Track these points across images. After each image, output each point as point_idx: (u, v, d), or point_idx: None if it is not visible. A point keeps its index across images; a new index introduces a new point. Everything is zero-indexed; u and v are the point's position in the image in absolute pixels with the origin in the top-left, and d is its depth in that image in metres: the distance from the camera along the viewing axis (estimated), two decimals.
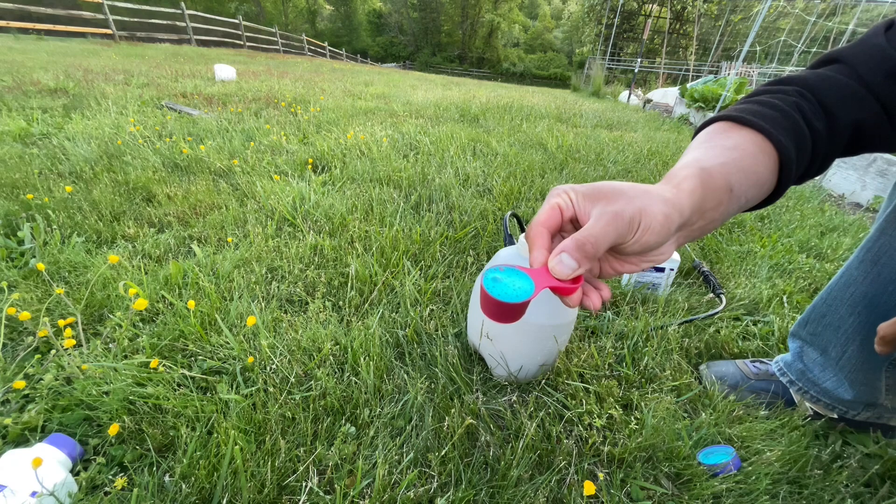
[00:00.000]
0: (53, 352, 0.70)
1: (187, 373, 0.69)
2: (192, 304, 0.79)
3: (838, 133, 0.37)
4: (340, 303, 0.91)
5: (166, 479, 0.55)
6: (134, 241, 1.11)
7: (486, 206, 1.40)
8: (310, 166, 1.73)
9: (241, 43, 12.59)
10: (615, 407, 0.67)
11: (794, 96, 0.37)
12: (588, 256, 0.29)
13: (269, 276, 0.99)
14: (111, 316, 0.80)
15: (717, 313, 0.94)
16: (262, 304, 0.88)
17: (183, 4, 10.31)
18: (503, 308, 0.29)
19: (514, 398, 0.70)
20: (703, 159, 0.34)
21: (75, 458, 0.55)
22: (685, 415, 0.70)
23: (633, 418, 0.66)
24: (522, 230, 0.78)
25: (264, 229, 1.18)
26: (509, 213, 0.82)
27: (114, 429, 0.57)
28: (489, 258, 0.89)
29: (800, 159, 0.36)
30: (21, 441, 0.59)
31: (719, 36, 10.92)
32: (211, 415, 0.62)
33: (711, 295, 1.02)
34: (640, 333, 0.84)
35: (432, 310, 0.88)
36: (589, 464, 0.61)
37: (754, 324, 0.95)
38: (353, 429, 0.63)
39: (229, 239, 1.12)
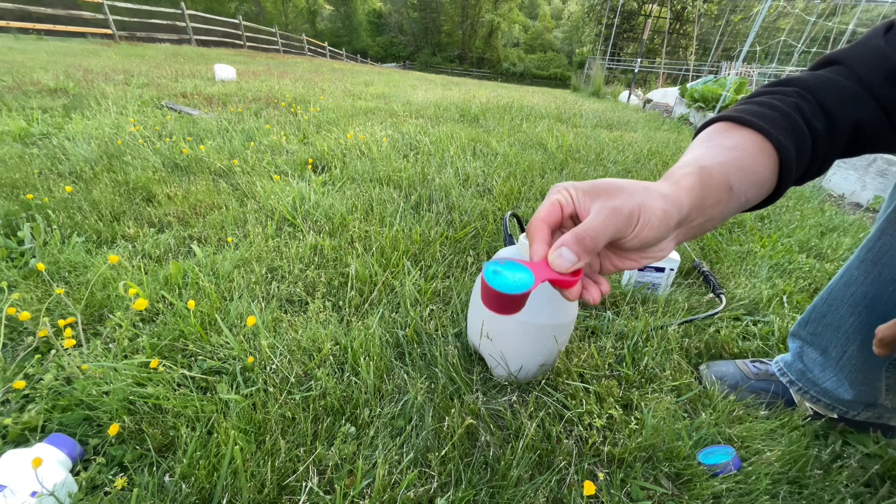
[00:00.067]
0: (53, 352, 0.70)
1: (187, 373, 0.69)
2: (192, 304, 0.79)
3: (838, 133, 0.37)
4: (340, 303, 0.91)
5: (166, 479, 0.55)
6: (134, 241, 1.11)
7: (486, 206, 1.40)
8: (310, 166, 1.73)
9: (241, 43, 12.59)
10: (615, 407, 0.67)
11: (794, 97, 0.37)
12: (587, 250, 0.30)
13: (269, 276, 0.99)
14: (111, 316, 0.80)
15: (717, 313, 0.94)
16: (262, 304, 0.88)
17: (183, 4, 10.31)
18: (503, 299, 0.30)
19: (514, 398, 0.70)
20: (703, 158, 0.35)
21: (75, 458, 0.55)
22: (685, 415, 0.70)
23: (633, 418, 0.66)
24: (522, 230, 0.78)
25: (264, 229, 1.18)
26: (509, 213, 0.82)
27: (114, 429, 0.57)
28: (489, 258, 0.90)
29: (800, 159, 0.36)
30: (21, 441, 0.59)
31: (719, 36, 10.92)
32: (211, 415, 0.62)
33: (711, 295, 1.02)
34: (640, 333, 0.84)
35: (432, 310, 0.88)
36: (589, 464, 0.61)
37: (754, 324, 0.95)
38: (353, 429, 0.63)
39: (229, 239, 1.12)
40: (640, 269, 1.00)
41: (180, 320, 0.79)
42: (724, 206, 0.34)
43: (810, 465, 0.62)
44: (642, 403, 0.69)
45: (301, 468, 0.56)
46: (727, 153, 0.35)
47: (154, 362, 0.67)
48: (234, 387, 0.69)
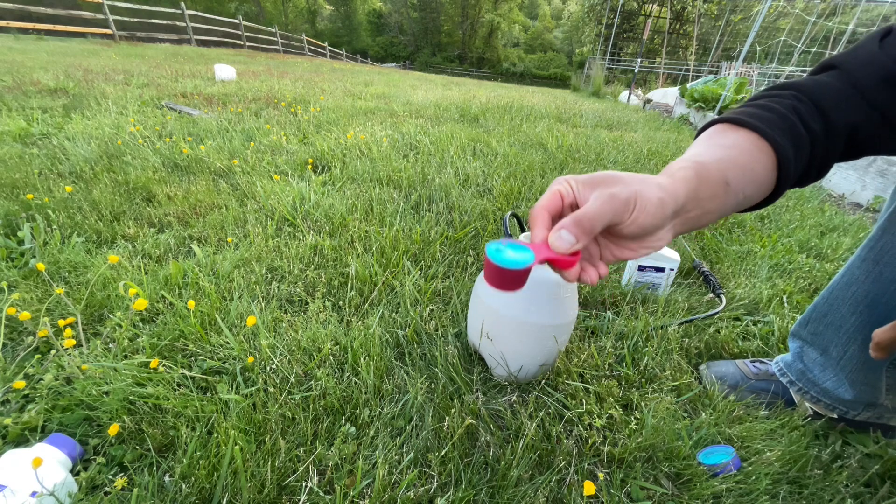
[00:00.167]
0: (53, 352, 0.70)
1: (187, 373, 0.69)
2: (192, 304, 0.79)
3: (835, 135, 0.38)
4: (340, 303, 0.91)
5: (166, 479, 0.55)
6: (134, 241, 1.11)
7: (486, 206, 1.40)
8: (310, 166, 1.73)
9: (241, 43, 12.59)
10: (615, 407, 0.67)
11: (791, 99, 0.38)
12: (585, 232, 0.31)
13: (269, 276, 0.99)
14: (111, 316, 0.80)
15: (717, 313, 0.94)
16: (262, 304, 0.88)
17: (183, 4, 10.31)
18: (505, 274, 0.31)
19: (514, 398, 0.70)
20: (700, 155, 0.36)
21: (75, 458, 0.55)
22: (685, 415, 0.70)
23: (633, 418, 0.66)
24: (523, 230, 0.78)
25: (264, 229, 1.18)
26: (509, 213, 0.82)
27: (114, 429, 0.57)
28: None
29: (798, 158, 0.37)
30: (21, 441, 0.59)
31: (719, 36, 10.92)
32: (211, 415, 0.62)
33: (711, 295, 1.02)
34: (640, 333, 0.84)
35: (432, 310, 0.88)
36: (589, 464, 0.61)
37: (754, 324, 0.95)
38: (353, 429, 0.63)
39: (229, 239, 1.12)
40: (640, 269, 1.00)
41: (180, 320, 0.79)
42: (721, 201, 0.35)
43: (810, 465, 0.62)
44: (642, 403, 0.69)
45: (301, 468, 0.56)
46: (724, 151, 0.36)
47: (154, 362, 0.67)
48: (234, 387, 0.69)
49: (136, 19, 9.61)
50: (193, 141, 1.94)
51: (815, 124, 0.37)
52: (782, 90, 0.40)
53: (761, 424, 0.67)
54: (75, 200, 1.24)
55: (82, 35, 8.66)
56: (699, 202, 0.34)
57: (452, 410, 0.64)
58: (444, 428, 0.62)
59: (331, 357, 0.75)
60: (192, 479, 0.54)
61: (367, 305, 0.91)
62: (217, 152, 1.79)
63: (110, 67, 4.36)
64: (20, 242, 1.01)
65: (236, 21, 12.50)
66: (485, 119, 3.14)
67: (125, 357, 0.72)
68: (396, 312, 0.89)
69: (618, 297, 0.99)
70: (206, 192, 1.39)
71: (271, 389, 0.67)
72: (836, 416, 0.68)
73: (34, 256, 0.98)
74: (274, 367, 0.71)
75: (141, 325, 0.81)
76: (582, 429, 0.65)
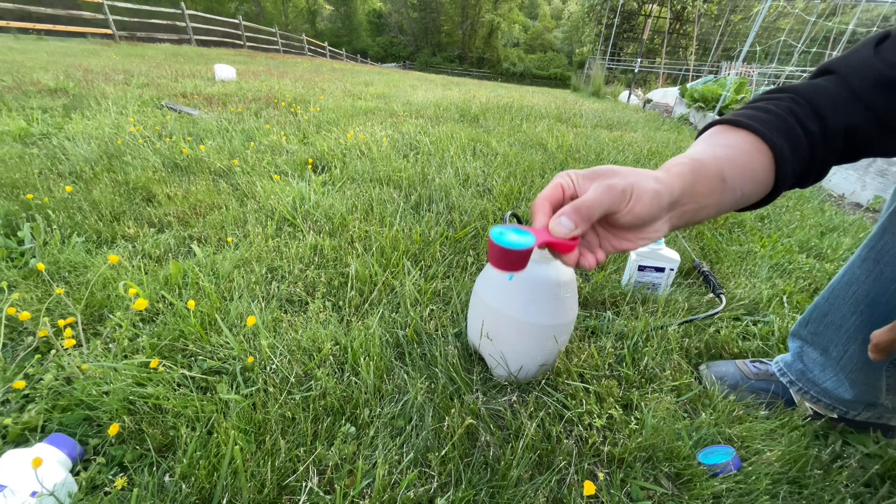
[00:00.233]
0: (53, 352, 0.70)
1: (187, 373, 0.69)
2: (192, 304, 0.79)
3: (832, 136, 0.39)
4: (340, 303, 0.91)
5: (166, 479, 0.55)
6: (134, 241, 1.11)
7: (486, 206, 1.40)
8: (310, 166, 1.73)
9: (241, 43, 12.59)
10: (615, 407, 0.67)
11: (788, 102, 0.40)
12: (583, 218, 0.34)
13: (269, 276, 0.99)
14: (111, 316, 0.80)
15: (717, 313, 0.94)
16: (262, 304, 0.88)
17: (183, 4, 10.31)
18: (508, 255, 0.33)
19: (514, 398, 0.70)
20: (698, 153, 0.39)
21: (75, 458, 0.55)
22: (685, 415, 0.70)
23: (633, 418, 0.66)
24: None
25: (264, 229, 1.18)
26: (509, 213, 0.82)
27: (114, 429, 0.57)
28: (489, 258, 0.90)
29: (795, 158, 0.38)
30: (21, 441, 0.59)
31: (719, 36, 10.92)
32: (211, 415, 0.62)
33: (711, 295, 1.02)
34: (640, 333, 0.84)
35: (432, 310, 0.88)
36: (589, 464, 0.61)
37: (754, 324, 0.95)
38: (353, 429, 0.63)
39: (229, 239, 1.12)
40: (639, 269, 1.00)
41: (180, 320, 0.79)
42: (717, 196, 0.37)
43: (810, 465, 0.62)
44: (642, 403, 0.69)
45: (301, 468, 0.56)
46: (721, 150, 0.38)
47: (154, 362, 0.67)
48: (234, 387, 0.69)
49: (136, 19, 9.61)
50: (193, 141, 1.94)
51: (813, 126, 0.39)
52: (781, 93, 0.41)
53: (761, 424, 0.67)
54: (75, 200, 1.24)
55: (82, 35, 8.66)
56: (695, 196, 0.36)
57: (452, 410, 0.64)
58: (444, 428, 0.62)
59: (331, 357, 0.75)
60: (192, 479, 0.54)
61: (367, 305, 0.91)
62: (217, 152, 1.79)
63: (110, 67, 4.36)
64: (20, 242, 1.01)
65: (236, 21, 12.50)
66: (485, 119, 3.14)
67: (125, 357, 0.72)
68: (396, 312, 0.89)
69: (618, 297, 0.99)
70: (206, 192, 1.39)
71: (271, 389, 0.67)
72: (836, 416, 0.68)
73: (34, 256, 0.98)
74: (274, 367, 0.71)
75: (141, 325, 0.81)
76: (582, 429, 0.65)
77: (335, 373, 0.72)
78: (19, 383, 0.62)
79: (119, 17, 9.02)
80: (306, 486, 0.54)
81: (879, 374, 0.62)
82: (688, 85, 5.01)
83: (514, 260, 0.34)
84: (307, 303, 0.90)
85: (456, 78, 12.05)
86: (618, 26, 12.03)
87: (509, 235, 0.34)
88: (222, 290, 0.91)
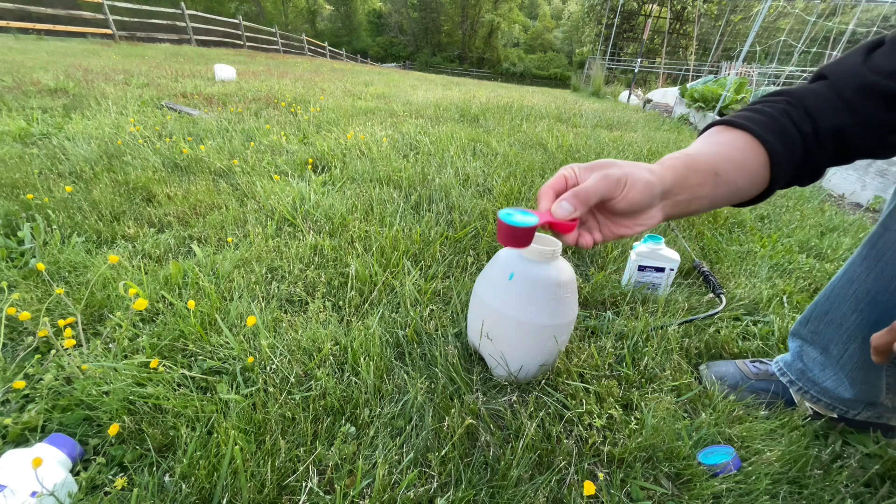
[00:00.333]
0: (53, 352, 0.70)
1: (187, 373, 0.69)
2: (192, 304, 0.79)
3: (823, 136, 0.42)
4: (340, 303, 0.91)
5: (166, 479, 0.55)
6: (134, 241, 1.11)
7: (486, 206, 1.40)
8: (310, 166, 1.73)
9: (241, 43, 12.59)
10: (615, 407, 0.67)
11: (783, 104, 0.43)
12: (581, 202, 0.38)
13: (269, 276, 0.99)
14: (111, 316, 0.80)
15: (717, 313, 0.94)
16: (262, 304, 0.88)
17: (183, 4, 10.31)
18: (514, 231, 0.38)
19: (514, 398, 0.70)
20: (692, 149, 0.42)
21: (75, 458, 0.55)
22: (685, 415, 0.70)
23: (633, 418, 0.66)
24: None
25: (264, 229, 1.18)
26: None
27: (114, 429, 0.57)
28: (489, 258, 0.90)
29: (790, 156, 0.41)
30: (21, 441, 0.59)
31: (719, 36, 10.92)
32: (211, 415, 0.62)
33: (711, 295, 1.03)
34: (640, 333, 0.84)
35: (432, 310, 0.88)
36: (589, 464, 0.61)
37: (754, 324, 0.95)
38: (353, 429, 0.63)
39: (229, 239, 1.12)
40: (639, 269, 1.00)
41: (180, 320, 0.79)
42: (710, 189, 0.40)
43: (810, 465, 0.62)
44: (642, 403, 0.69)
45: (301, 468, 0.56)
46: (716, 147, 0.42)
47: (154, 362, 0.67)
48: (234, 387, 0.69)
49: (136, 19, 9.61)
50: (193, 141, 1.94)
51: (806, 126, 0.41)
52: (778, 96, 0.44)
53: (761, 424, 0.67)
54: (75, 200, 1.24)
55: (82, 35, 8.66)
56: (688, 188, 0.40)
57: (452, 410, 0.64)
58: (444, 428, 0.62)
59: (331, 357, 0.75)
60: (192, 479, 0.54)
61: (367, 305, 0.91)
62: (217, 152, 1.79)
63: (110, 67, 4.36)
64: (20, 242, 1.01)
65: (236, 21, 12.50)
66: (485, 119, 3.14)
67: (125, 357, 0.72)
68: (396, 312, 0.89)
69: (618, 297, 0.99)
70: (206, 192, 1.39)
71: (271, 389, 0.67)
72: (836, 415, 0.68)
73: (34, 256, 0.98)
74: (274, 367, 0.71)
75: (141, 325, 0.81)
76: (582, 429, 0.65)
77: (335, 373, 0.72)
78: (19, 383, 0.62)
79: (119, 17, 9.02)
80: (306, 486, 0.54)
81: (879, 373, 0.62)
82: (688, 85, 5.01)
83: (519, 236, 0.38)
84: (307, 303, 0.90)
85: (456, 78, 12.05)
86: (618, 26, 12.03)
87: (516, 216, 0.38)
88: (222, 290, 0.91)
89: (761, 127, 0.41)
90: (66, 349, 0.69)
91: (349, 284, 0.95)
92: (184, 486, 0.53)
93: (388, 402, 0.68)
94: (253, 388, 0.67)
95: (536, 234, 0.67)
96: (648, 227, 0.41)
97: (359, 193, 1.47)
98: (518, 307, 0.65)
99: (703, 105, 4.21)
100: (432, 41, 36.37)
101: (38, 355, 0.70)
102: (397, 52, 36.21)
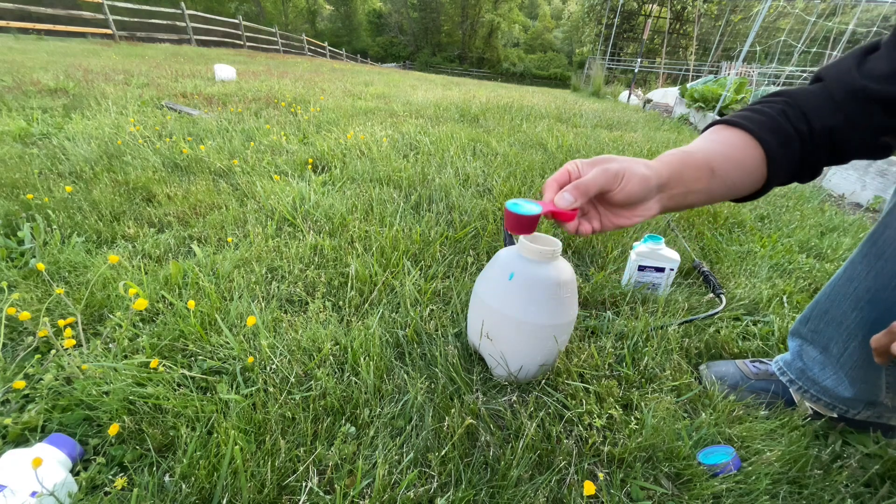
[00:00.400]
0: (53, 352, 0.70)
1: (187, 373, 0.69)
2: (192, 304, 0.79)
3: (818, 136, 0.43)
4: (340, 303, 0.91)
5: (166, 479, 0.55)
6: (134, 241, 1.11)
7: (486, 206, 1.40)
8: (310, 166, 1.73)
9: (241, 43, 12.59)
10: (615, 407, 0.67)
11: (781, 105, 0.44)
12: (581, 193, 0.40)
13: (269, 276, 0.99)
14: (111, 316, 0.80)
15: (717, 313, 0.94)
16: (262, 304, 0.88)
17: (183, 4, 10.31)
18: (520, 219, 0.41)
19: (514, 398, 0.70)
20: (690, 146, 0.44)
21: (75, 458, 0.55)
22: (685, 415, 0.70)
23: (633, 418, 0.66)
24: None
25: (264, 229, 1.18)
26: None
27: (114, 429, 0.57)
28: (489, 258, 0.89)
29: (786, 153, 0.43)
30: (21, 441, 0.59)
31: (719, 36, 10.91)
32: (211, 415, 0.62)
33: (711, 295, 1.02)
34: (640, 333, 0.84)
35: (432, 310, 0.88)
36: (589, 464, 0.61)
37: (754, 324, 0.95)
38: (353, 429, 0.63)
39: (229, 239, 1.12)
40: (640, 269, 1.00)
41: (180, 320, 0.79)
42: (706, 183, 0.42)
43: (810, 465, 0.62)
44: (642, 403, 0.69)
45: (301, 468, 0.56)
46: (714, 145, 0.44)
47: (154, 362, 0.67)
48: (234, 387, 0.69)
49: (136, 19, 9.60)
50: (193, 141, 1.94)
51: (802, 125, 0.43)
52: (776, 97, 0.46)
53: (761, 424, 0.67)
54: (75, 200, 1.24)
55: (82, 35, 8.66)
56: (683, 182, 0.42)
57: (452, 410, 0.64)
58: (444, 428, 0.62)
59: (331, 357, 0.75)
60: (192, 479, 0.54)
61: (367, 305, 0.91)
62: (217, 152, 1.79)
63: (110, 67, 4.36)
64: (20, 242, 1.01)
65: (236, 21, 12.50)
66: (485, 119, 3.14)
67: (125, 357, 0.72)
68: (396, 312, 0.89)
69: (618, 297, 0.99)
70: (206, 192, 1.39)
71: (271, 389, 0.67)
72: (835, 415, 0.68)
73: (34, 256, 0.98)
74: (274, 367, 0.71)
75: (141, 325, 0.81)
76: (582, 429, 0.65)
77: (335, 373, 0.72)
78: (19, 383, 0.62)
79: (119, 17, 9.02)
80: (306, 486, 0.54)
81: (879, 372, 0.62)
82: (688, 85, 5.01)
83: (524, 224, 0.42)
84: (307, 303, 0.90)
85: (456, 78, 12.05)
86: (618, 26, 12.04)
87: (522, 206, 0.42)
88: (222, 290, 0.91)
89: (759, 126, 0.42)
90: (66, 349, 0.69)
91: (349, 284, 0.95)
92: (184, 486, 0.53)
93: (388, 402, 0.68)
94: (253, 388, 0.67)
95: (536, 234, 0.68)
96: (645, 218, 0.43)
97: (359, 193, 1.47)
98: (518, 307, 0.65)
99: (703, 105, 4.21)
100: (432, 41, 36.36)
101: (38, 355, 0.70)
102: (397, 52, 36.21)
